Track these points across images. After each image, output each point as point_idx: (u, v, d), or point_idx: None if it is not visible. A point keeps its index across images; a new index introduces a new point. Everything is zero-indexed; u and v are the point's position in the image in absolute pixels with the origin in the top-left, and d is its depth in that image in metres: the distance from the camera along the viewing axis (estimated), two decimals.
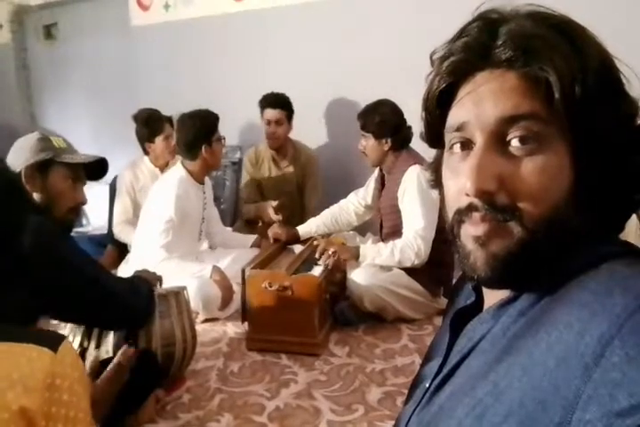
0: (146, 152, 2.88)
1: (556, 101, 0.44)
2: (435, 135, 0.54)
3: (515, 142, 0.45)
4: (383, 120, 2.21)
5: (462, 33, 0.49)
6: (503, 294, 0.50)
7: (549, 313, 0.42)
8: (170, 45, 3.55)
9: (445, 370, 0.53)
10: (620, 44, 0.58)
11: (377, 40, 2.85)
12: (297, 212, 2.86)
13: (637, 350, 0.35)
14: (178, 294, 1.74)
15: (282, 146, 2.91)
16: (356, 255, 2.15)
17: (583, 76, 0.44)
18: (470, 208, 0.47)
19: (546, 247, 0.46)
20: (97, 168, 1.50)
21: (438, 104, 0.52)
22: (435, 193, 2.03)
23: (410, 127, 2.25)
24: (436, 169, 0.57)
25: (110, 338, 1.58)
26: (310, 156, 2.95)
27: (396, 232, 2.25)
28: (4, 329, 0.72)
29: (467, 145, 0.48)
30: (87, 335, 1.58)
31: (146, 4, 3.66)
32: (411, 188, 2.15)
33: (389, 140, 2.22)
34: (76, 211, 1.45)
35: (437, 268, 2.19)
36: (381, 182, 2.39)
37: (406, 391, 1.75)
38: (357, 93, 2.84)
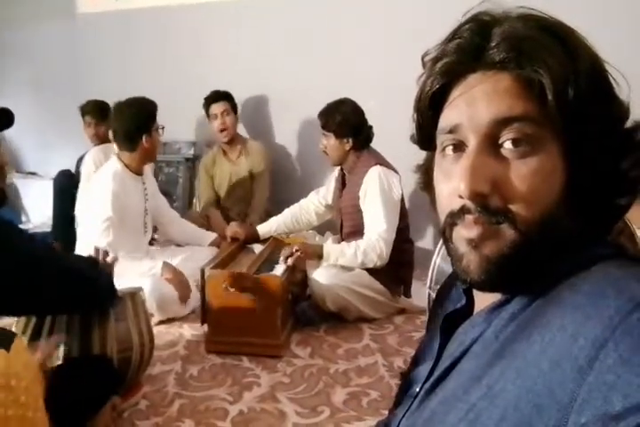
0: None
1: (550, 103, 0.44)
2: (426, 137, 0.54)
3: (507, 144, 0.46)
4: (344, 119, 2.20)
5: (455, 35, 0.49)
6: (494, 296, 0.49)
7: (542, 316, 0.42)
8: (121, 35, 3.40)
9: (436, 374, 0.52)
10: (608, 47, 0.58)
11: (341, 39, 2.84)
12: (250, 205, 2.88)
13: (631, 352, 0.35)
14: (134, 295, 1.65)
15: (232, 138, 2.93)
16: (318, 254, 2.13)
17: (575, 78, 0.44)
18: (463, 211, 0.47)
19: (538, 250, 0.46)
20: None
21: (430, 106, 0.51)
22: (395, 194, 2.05)
23: (371, 127, 2.25)
24: (426, 171, 0.57)
25: (61, 347, 1.48)
26: (260, 149, 2.97)
27: (356, 232, 2.25)
28: None
29: (459, 147, 0.48)
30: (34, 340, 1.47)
31: None
32: (372, 188, 2.15)
33: (351, 140, 2.21)
34: None
35: (398, 267, 2.21)
36: (342, 182, 2.38)
37: (371, 392, 1.75)
38: (317, 90, 2.82)
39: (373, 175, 2.16)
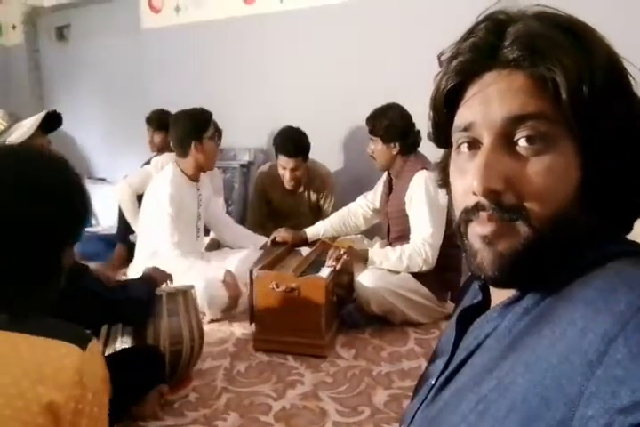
0: None
1: (564, 101, 0.44)
2: (442, 135, 0.55)
3: (522, 142, 0.46)
4: (392, 124, 2.22)
5: (470, 34, 0.49)
6: (510, 292, 0.50)
7: (554, 311, 0.43)
8: (181, 48, 3.58)
9: (451, 367, 0.53)
10: (627, 44, 0.58)
11: (386, 45, 2.87)
12: None
13: None
14: (186, 292, 1.74)
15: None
16: (364, 258, 2.16)
17: (590, 76, 0.44)
18: (477, 207, 0.47)
19: (552, 247, 0.46)
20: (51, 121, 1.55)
21: (446, 104, 0.52)
22: (442, 198, 2.03)
23: (418, 131, 2.26)
24: (443, 169, 0.57)
25: (119, 337, 1.59)
26: (324, 178, 2.85)
27: (403, 236, 2.26)
28: (40, 324, 0.74)
29: (474, 145, 0.49)
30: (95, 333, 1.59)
31: (157, 6, 3.69)
32: (418, 193, 2.15)
33: (398, 145, 2.23)
34: None
35: (445, 272, 2.19)
36: (389, 186, 2.39)
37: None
38: (365, 97, 2.86)
39: (419, 180, 2.16)
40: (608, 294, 0.39)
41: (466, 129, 0.49)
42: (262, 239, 2.70)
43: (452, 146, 0.53)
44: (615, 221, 0.49)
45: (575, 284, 0.43)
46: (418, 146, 2.27)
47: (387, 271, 2.15)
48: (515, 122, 0.46)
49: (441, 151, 0.59)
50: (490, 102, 0.47)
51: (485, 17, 0.49)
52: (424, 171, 2.16)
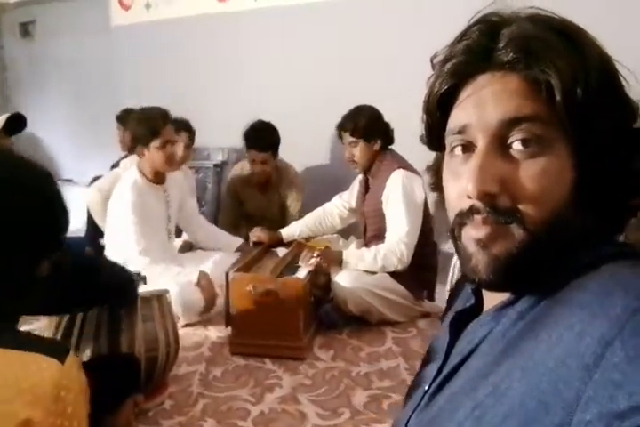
0: None
1: (558, 103, 0.44)
2: (435, 138, 0.54)
3: (516, 145, 0.45)
4: (370, 121, 2.23)
5: (463, 36, 0.49)
6: (503, 296, 0.49)
7: (549, 315, 0.42)
8: (152, 45, 3.52)
9: (445, 372, 0.53)
10: (619, 46, 0.58)
11: (360, 44, 2.86)
12: None
13: (638, 350, 0.35)
14: (160, 297, 1.70)
15: (267, 180, 2.83)
16: (338, 261, 2.15)
17: (584, 78, 0.44)
18: (472, 210, 0.47)
19: (547, 249, 0.46)
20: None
21: (439, 106, 0.51)
22: (419, 197, 2.05)
23: (392, 127, 2.27)
24: (436, 172, 0.57)
25: (90, 342, 1.54)
26: (292, 179, 2.86)
27: (379, 235, 2.26)
28: (14, 337, 0.71)
29: (468, 148, 0.48)
30: (66, 339, 1.54)
31: (127, 3, 3.62)
32: (395, 192, 2.15)
33: (379, 141, 2.23)
34: None
35: (421, 271, 2.21)
36: (365, 186, 2.39)
37: (392, 395, 1.75)
38: (341, 95, 2.85)
39: (396, 179, 2.16)
40: (604, 298, 0.39)
41: (460, 132, 0.49)
42: (237, 240, 2.67)
43: (445, 149, 0.52)
44: (609, 222, 0.49)
45: (570, 287, 0.43)
46: (393, 142, 2.28)
47: (363, 271, 2.14)
48: (509, 124, 0.45)
49: (432, 153, 0.58)
50: (484, 105, 0.47)
51: (478, 19, 0.49)
52: (401, 170, 2.16)
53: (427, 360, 0.63)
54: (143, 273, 1.68)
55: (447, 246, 2.72)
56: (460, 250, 0.50)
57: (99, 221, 2.71)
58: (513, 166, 0.45)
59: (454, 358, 0.52)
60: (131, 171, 2.33)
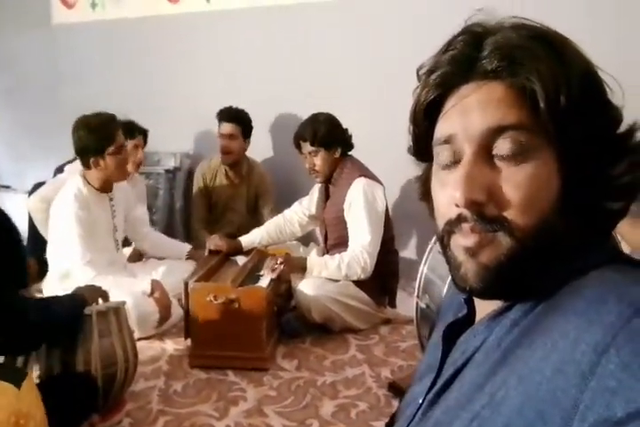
0: None
1: (542, 111, 0.44)
2: (423, 148, 0.54)
3: (502, 153, 0.46)
4: (329, 129, 2.22)
5: (448, 46, 0.50)
6: (495, 304, 0.49)
7: (544, 322, 0.42)
8: (99, 46, 3.36)
9: (439, 384, 0.52)
10: (601, 53, 0.59)
11: (318, 48, 2.87)
12: (244, 229, 2.67)
13: (632, 357, 0.35)
14: (118, 310, 1.61)
15: (236, 162, 2.83)
16: (302, 267, 2.12)
17: (567, 85, 0.44)
18: (460, 219, 0.47)
19: (535, 256, 0.46)
20: None
21: (425, 117, 0.52)
22: (380, 206, 2.07)
23: (351, 135, 2.28)
24: (424, 182, 0.57)
25: (40, 360, 1.43)
26: (262, 175, 2.90)
27: (341, 243, 2.25)
28: None
29: (455, 157, 0.49)
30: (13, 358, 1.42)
31: (70, 1, 3.45)
32: (357, 201, 2.15)
33: (339, 148, 2.23)
34: None
35: (383, 278, 2.22)
36: (326, 193, 2.38)
37: (359, 403, 1.74)
38: (297, 102, 2.84)
39: (358, 188, 2.16)
40: (598, 305, 0.39)
41: (446, 141, 0.49)
42: (186, 247, 2.61)
43: (432, 159, 0.53)
44: (596, 227, 0.49)
45: (562, 294, 0.43)
46: (352, 148, 2.29)
47: (326, 279, 2.13)
48: (494, 133, 0.46)
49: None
50: (469, 113, 0.47)
51: (463, 30, 0.49)
52: (362, 178, 2.17)
53: (419, 377, 0.62)
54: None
55: (407, 253, 2.76)
56: (449, 259, 0.50)
57: (42, 232, 2.55)
58: (499, 174, 0.46)
59: (448, 370, 0.52)
60: (74, 179, 2.19)
